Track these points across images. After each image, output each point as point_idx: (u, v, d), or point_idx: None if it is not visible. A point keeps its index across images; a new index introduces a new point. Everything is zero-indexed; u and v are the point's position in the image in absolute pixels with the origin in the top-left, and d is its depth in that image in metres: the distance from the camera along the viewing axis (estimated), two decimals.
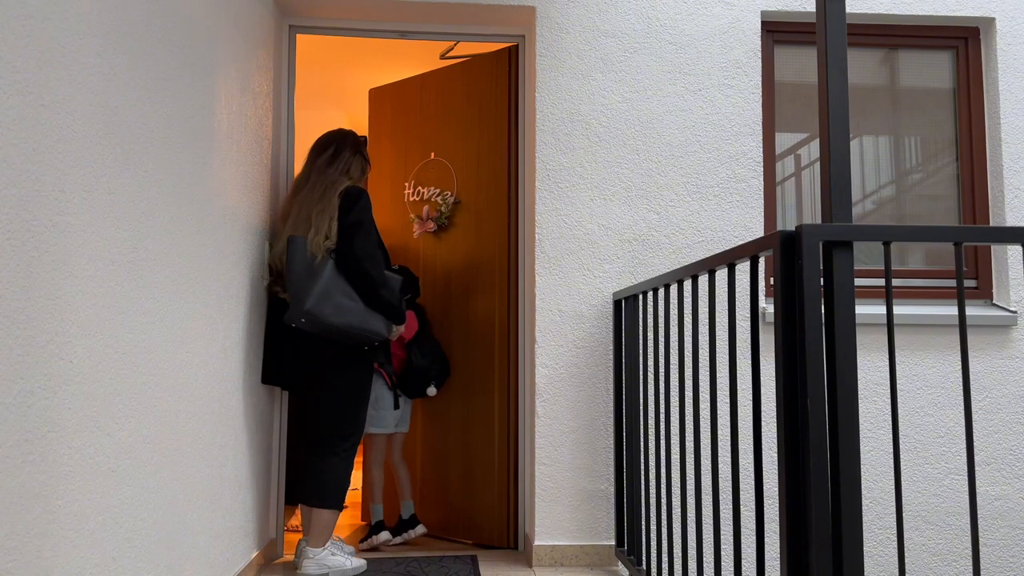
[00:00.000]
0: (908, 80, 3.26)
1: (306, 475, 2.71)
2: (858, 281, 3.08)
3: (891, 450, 2.97)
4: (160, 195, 1.76)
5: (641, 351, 2.61)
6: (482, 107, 3.39)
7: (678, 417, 2.67)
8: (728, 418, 2.81)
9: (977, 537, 1.46)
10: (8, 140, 1.18)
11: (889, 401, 2.18)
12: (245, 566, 2.53)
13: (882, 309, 2.92)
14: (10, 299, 1.18)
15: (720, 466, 2.88)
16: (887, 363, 2.39)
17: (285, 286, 2.70)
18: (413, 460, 3.52)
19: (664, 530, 2.73)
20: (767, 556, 2.80)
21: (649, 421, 2.57)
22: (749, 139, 3.02)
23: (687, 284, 2.94)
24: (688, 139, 3.01)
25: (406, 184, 3.64)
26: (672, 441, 2.80)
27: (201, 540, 2.09)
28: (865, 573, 2.74)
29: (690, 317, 2.94)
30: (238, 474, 2.46)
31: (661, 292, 2.77)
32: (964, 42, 3.23)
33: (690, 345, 2.68)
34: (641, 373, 2.61)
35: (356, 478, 4.34)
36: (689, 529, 2.75)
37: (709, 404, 2.03)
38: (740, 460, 2.58)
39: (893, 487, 2.96)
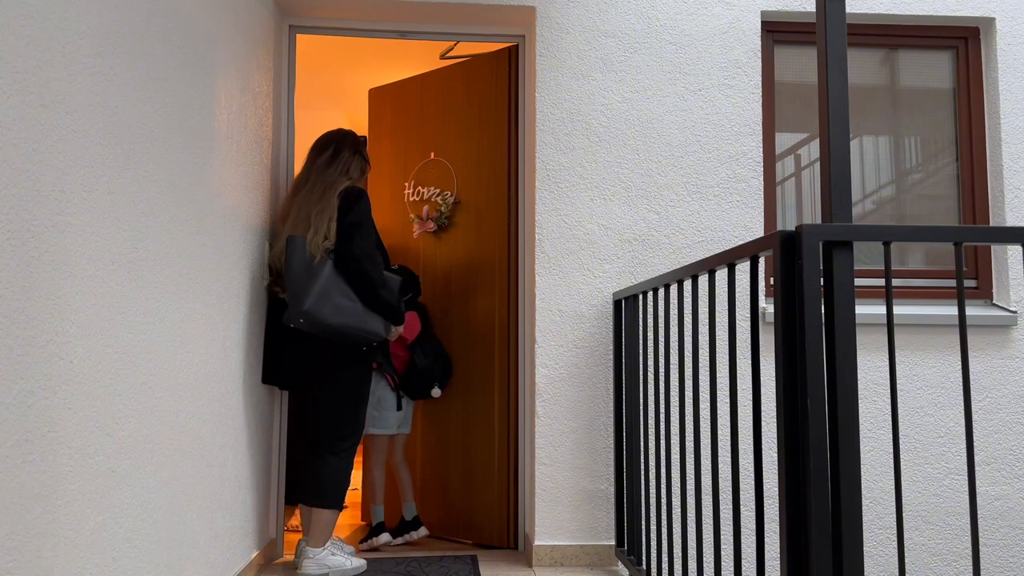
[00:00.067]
0: (908, 80, 3.26)
1: (306, 475, 2.71)
2: (858, 281, 3.08)
3: (891, 450, 2.97)
4: (160, 195, 1.76)
5: (641, 351, 2.61)
6: (482, 107, 3.39)
7: (678, 417, 2.67)
8: (728, 418, 2.81)
9: (977, 537, 1.46)
10: (8, 140, 1.18)
11: (889, 401, 2.18)
12: (245, 566, 2.53)
13: (882, 309, 2.92)
14: (10, 299, 1.18)
15: (720, 466, 2.88)
16: (887, 363, 2.39)
17: (284, 286, 2.70)
18: (413, 460, 3.52)
19: (664, 530, 2.73)
20: (767, 556, 2.80)
21: (649, 421, 2.57)
22: (749, 139, 3.02)
23: (687, 284, 2.94)
24: (688, 139, 3.01)
25: (406, 184, 3.64)
26: (672, 441, 2.80)
27: (201, 540, 2.09)
28: (865, 573, 2.74)
29: (690, 317, 2.94)
30: (238, 474, 2.46)
31: (661, 292, 2.77)
32: (964, 42, 3.23)
33: (690, 345, 2.68)
34: (641, 373, 2.61)
35: (356, 478, 4.34)
36: (689, 529, 2.75)
37: (709, 404, 2.03)
38: (740, 460, 2.58)
39: (893, 487, 2.96)
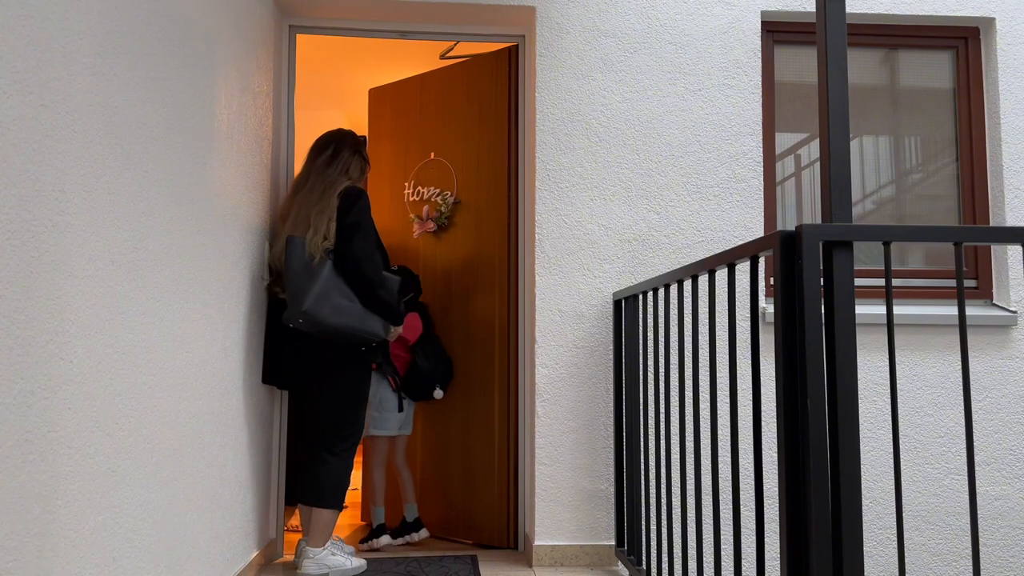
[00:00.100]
0: (908, 80, 3.26)
1: (306, 475, 2.71)
2: (858, 281, 3.08)
3: (891, 450, 2.97)
4: (160, 195, 1.76)
5: (641, 351, 2.61)
6: (482, 107, 3.39)
7: (678, 417, 2.67)
8: (728, 418, 2.81)
9: (977, 537, 1.46)
10: (8, 140, 1.18)
11: (889, 401, 2.18)
12: (245, 566, 2.53)
13: (882, 309, 2.92)
14: (10, 299, 1.18)
15: (720, 466, 2.88)
16: (887, 363, 2.39)
17: (284, 286, 2.70)
18: (413, 460, 3.52)
19: (664, 530, 2.73)
20: (767, 556, 2.80)
21: (649, 421, 2.57)
22: (749, 139, 3.02)
23: (687, 284, 2.94)
24: (688, 139, 3.01)
25: (406, 184, 3.64)
26: (672, 441, 2.80)
27: (201, 540, 2.09)
28: (865, 573, 2.74)
29: (690, 317, 2.94)
30: (238, 474, 2.46)
31: (661, 292, 2.77)
32: (964, 42, 3.23)
33: (690, 345, 2.68)
34: (641, 373, 2.61)
35: (356, 478, 4.34)
36: (689, 529, 2.75)
37: (709, 404, 2.03)
38: (740, 460, 2.58)
39: (893, 487, 2.96)
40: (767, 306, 2.96)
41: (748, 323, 2.97)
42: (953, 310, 3.01)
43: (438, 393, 3.30)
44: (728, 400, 2.35)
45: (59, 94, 1.32)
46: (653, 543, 2.67)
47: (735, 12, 3.06)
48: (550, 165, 2.97)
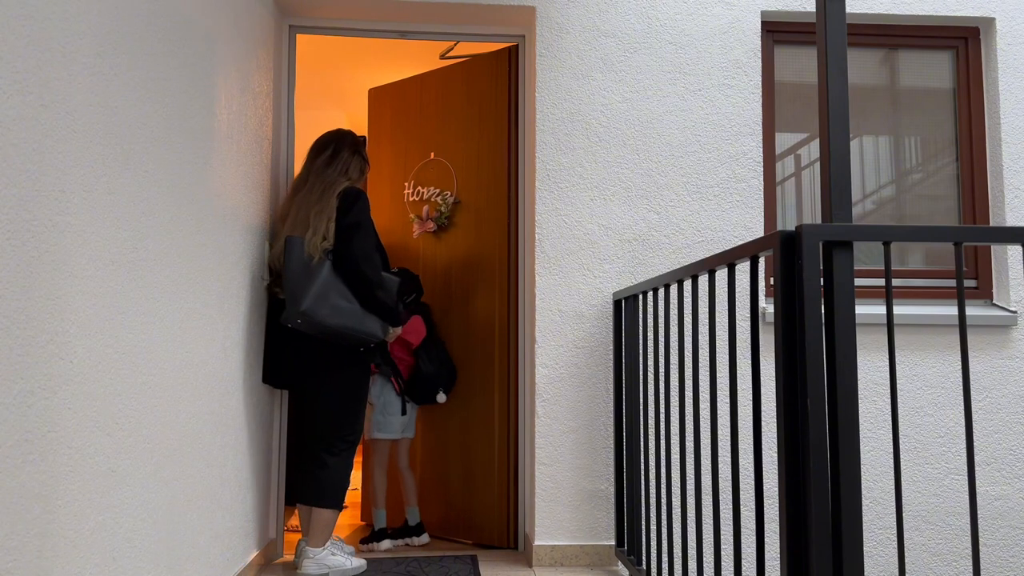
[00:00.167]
0: (908, 80, 3.26)
1: (305, 475, 2.71)
2: (858, 281, 3.09)
3: (891, 450, 2.97)
4: (160, 195, 1.76)
5: (641, 351, 2.61)
6: (482, 107, 3.39)
7: (678, 417, 2.67)
8: (728, 418, 2.81)
9: (977, 537, 1.46)
10: (8, 140, 1.18)
11: (889, 401, 2.18)
12: (245, 566, 2.53)
13: (882, 309, 2.92)
14: (10, 299, 1.18)
15: (720, 466, 2.88)
16: (887, 363, 2.39)
17: (283, 286, 2.70)
18: (413, 460, 3.52)
19: (664, 530, 2.73)
20: (767, 556, 2.80)
21: (649, 421, 2.57)
22: (749, 139, 3.02)
23: (687, 284, 2.94)
24: (688, 139, 3.01)
25: (406, 184, 3.64)
26: (672, 441, 2.80)
27: (201, 540, 2.09)
28: (865, 573, 2.74)
29: (690, 317, 2.94)
30: (238, 474, 2.46)
31: (661, 292, 2.77)
32: (964, 42, 3.23)
33: (690, 345, 2.68)
34: (641, 373, 2.61)
35: (355, 478, 4.34)
36: (689, 529, 2.75)
37: (709, 404, 2.03)
38: (740, 460, 2.58)
39: (893, 487, 2.96)
40: (767, 306, 2.96)
41: (748, 323, 2.97)
42: (953, 310, 3.01)
43: (441, 397, 3.29)
44: (728, 400, 2.35)
45: (59, 94, 1.32)
46: (653, 543, 2.67)
47: (735, 12, 3.06)
48: (550, 165, 2.97)
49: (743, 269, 2.97)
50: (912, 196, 3.24)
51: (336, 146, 2.82)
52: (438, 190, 3.51)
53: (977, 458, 2.97)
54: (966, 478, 2.17)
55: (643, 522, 2.61)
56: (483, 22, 3.12)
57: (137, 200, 1.63)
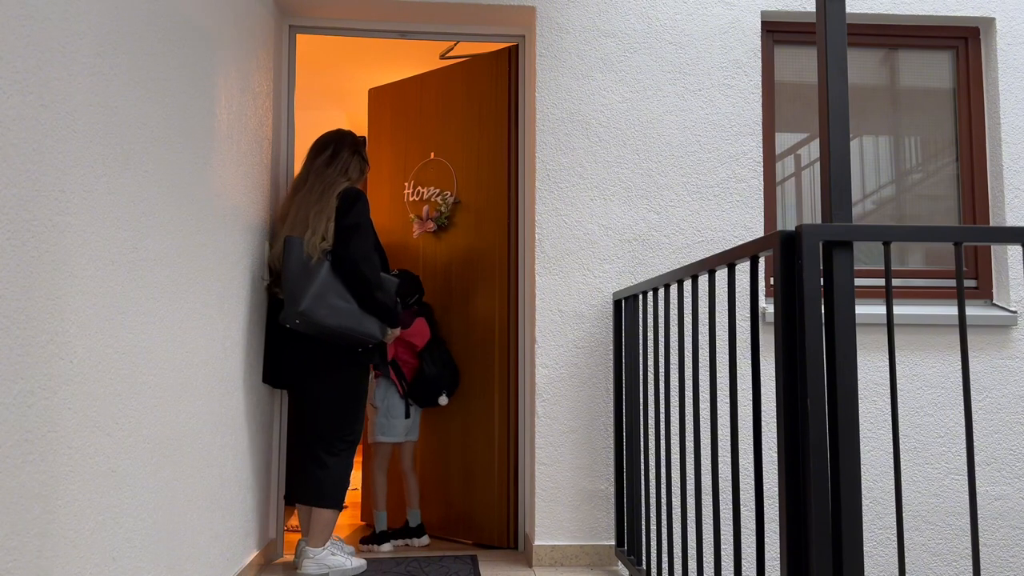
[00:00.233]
0: (908, 80, 3.26)
1: (305, 475, 2.71)
2: (858, 281, 3.08)
3: (891, 450, 2.97)
4: (160, 195, 1.76)
5: (641, 351, 2.61)
6: (482, 107, 3.39)
7: (678, 417, 2.67)
8: (728, 418, 2.81)
9: (977, 537, 1.46)
10: (8, 140, 1.18)
11: (889, 401, 2.18)
12: (245, 566, 2.53)
13: (882, 309, 2.92)
14: (10, 299, 1.18)
15: (720, 466, 2.88)
16: (887, 363, 2.39)
17: (282, 286, 2.69)
18: (413, 460, 3.52)
19: (664, 530, 2.73)
20: (767, 556, 2.80)
21: (649, 421, 2.57)
22: (749, 139, 3.02)
23: (687, 284, 2.94)
24: (688, 139, 3.01)
25: (406, 184, 3.64)
26: (672, 441, 2.80)
27: (201, 540, 2.09)
28: (865, 573, 2.74)
29: (690, 317, 2.94)
30: (238, 474, 2.46)
31: (661, 292, 2.77)
32: (964, 42, 3.23)
33: (690, 345, 2.68)
34: (641, 373, 2.61)
35: (355, 478, 4.34)
36: (689, 529, 2.75)
37: (709, 404, 2.03)
38: (740, 460, 2.58)
39: (893, 487, 2.96)
40: (767, 306, 2.96)
41: (748, 323, 2.97)
42: (953, 310, 3.01)
43: (443, 400, 3.29)
44: (728, 400, 2.35)
45: (59, 94, 1.32)
46: (653, 543, 2.67)
47: (735, 12, 3.06)
48: (550, 165, 2.97)
49: (743, 269, 2.97)
50: (912, 196, 3.24)
51: (336, 146, 2.82)
52: (438, 190, 3.51)
53: (977, 458, 2.97)
54: (966, 478, 2.17)
55: (643, 522, 2.61)
56: (483, 22, 3.12)
57: (137, 200, 1.63)
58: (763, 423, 2.92)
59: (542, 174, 2.97)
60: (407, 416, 3.27)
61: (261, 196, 2.75)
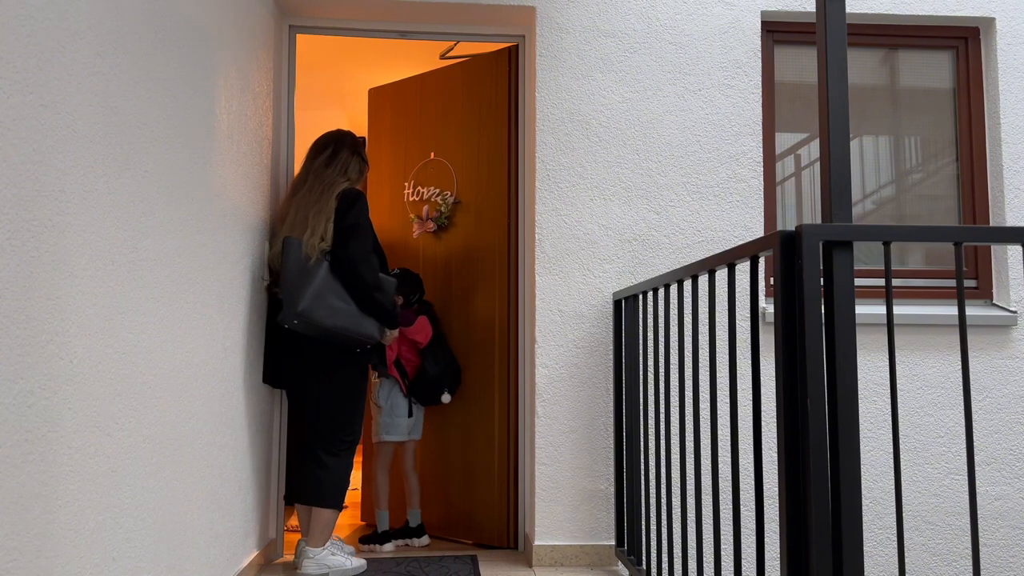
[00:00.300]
0: (908, 80, 3.26)
1: (305, 475, 2.71)
2: (858, 281, 3.08)
3: (891, 450, 2.97)
4: (160, 195, 1.76)
5: (641, 351, 2.61)
6: (482, 107, 3.39)
7: (678, 417, 2.67)
8: (728, 418, 2.81)
9: (977, 537, 1.46)
10: (8, 140, 1.18)
11: (889, 401, 2.18)
12: (245, 566, 2.53)
13: (882, 309, 2.92)
14: (10, 299, 1.18)
15: (720, 466, 2.88)
16: (887, 363, 2.39)
17: (280, 287, 2.69)
18: (414, 459, 3.52)
19: (664, 530, 2.73)
20: (767, 556, 2.80)
21: (649, 421, 2.57)
22: (749, 139, 3.02)
23: (687, 284, 2.94)
24: (688, 139, 3.01)
25: (406, 184, 3.64)
26: (672, 441, 2.80)
27: (201, 540, 2.09)
28: (865, 573, 2.74)
29: (690, 317, 2.94)
30: (238, 474, 2.46)
31: (661, 292, 2.77)
32: (964, 42, 3.23)
33: (690, 345, 2.68)
34: (641, 373, 2.61)
35: (355, 478, 4.34)
36: (689, 529, 2.75)
37: (709, 404, 2.03)
38: (740, 460, 2.58)
39: (893, 487, 2.96)
40: (767, 306, 2.96)
41: (748, 323, 2.97)
42: (953, 310, 3.01)
43: (446, 397, 3.29)
44: (728, 400, 2.35)
45: (59, 94, 1.32)
46: (653, 543, 2.67)
47: (735, 12, 3.06)
48: (550, 165, 2.97)
49: (743, 269, 2.97)
50: (912, 196, 3.24)
51: (335, 146, 2.82)
52: (438, 190, 3.51)
53: (977, 458, 2.97)
54: (966, 478, 2.17)
55: (643, 522, 2.61)
56: (483, 22, 3.12)
57: (137, 200, 1.63)
58: (763, 423, 2.93)
59: (542, 174, 2.97)
60: (410, 415, 3.27)
61: (261, 196, 2.75)
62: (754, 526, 2.46)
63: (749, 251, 1.65)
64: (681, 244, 2.98)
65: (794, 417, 1.48)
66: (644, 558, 2.55)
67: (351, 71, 4.49)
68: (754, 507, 2.45)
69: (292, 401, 2.86)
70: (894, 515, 2.93)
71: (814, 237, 1.45)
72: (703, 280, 2.96)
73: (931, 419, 2.98)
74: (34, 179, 1.25)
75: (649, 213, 2.98)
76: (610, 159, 2.98)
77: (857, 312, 2.75)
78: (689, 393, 3.02)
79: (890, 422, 2.68)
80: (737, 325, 2.85)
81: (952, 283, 3.15)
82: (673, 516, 2.76)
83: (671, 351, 2.66)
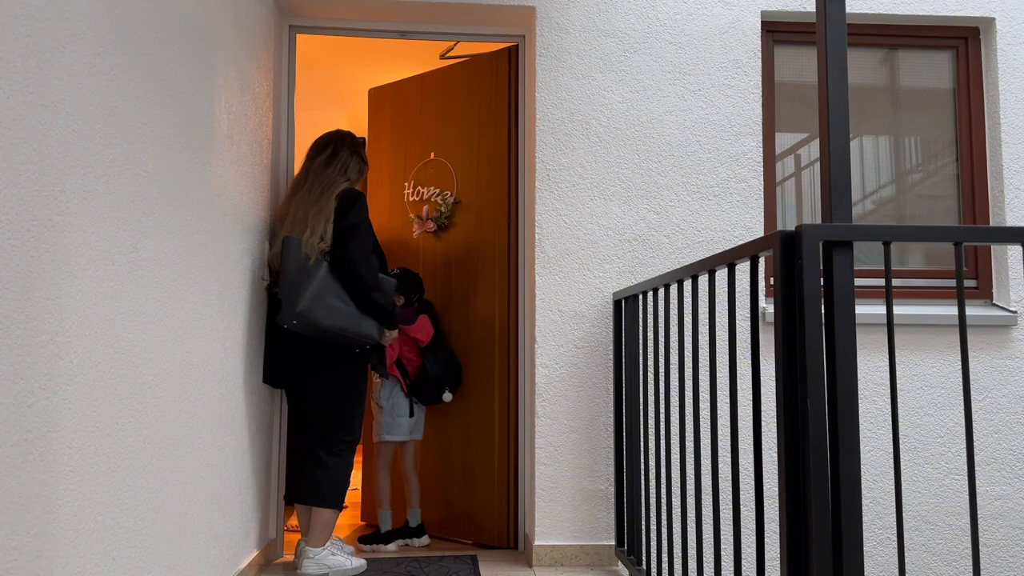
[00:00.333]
0: (908, 80, 3.26)
1: (305, 475, 2.71)
2: (858, 281, 3.08)
3: (891, 450, 2.97)
4: (160, 195, 1.76)
5: (641, 351, 2.61)
6: (482, 107, 3.39)
7: (678, 417, 2.67)
8: (728, 418, 2.81)
9: (977, 537, 1.46)
10: (8, 140, 1.18)
11: (889, 401, 2.18)
12: (245, 566, 2.53)
13: (882, 309, 2.92)
14: (10, 299, 1.18)
15: (720, 466, 2.88)
16: (887, 363, 2.39)
17: (280, 287, 2.69)
18: (415, 459, 3.52)
19: (664, 530, 2.73)
20: (767, 556, 2.80)
21: (649, 421, 2.57)
22: (749, 139, 3.02)
23: (687, 284, 2.94)
24: (688, 139, 3.01)
25: (406, 184, 3.64)
26: (672, 441, 2.80)
27: (201, 540, 2.09)
28: (865, 573, 2.74)
29: (690, 317, 2.94)
30: (238, 474, 2.46)
31: (661, 292, 2.77)
32: (964, 42, 3.23)
33: (690, 345, 2.68)
34: (641, 373, 2.61)
35: (355, 478, 4.34)
36: (689, 529, 2.75)
37: (709, 404, 2.03)
38: (740, 460, 2.58)
39: (893, 487, 2.96)
40: (767, 306, 2.96)
41: (748, 323, 2.97)
42: (953, 310, 3.01)
43: (447, 396, 3.29)
44: (728, 400, 2.35)
45: (59, 94, 1.32)
46: (653, 543, 2.67)
47: (735, 12, 3.06)
48: (550, 165, 2.97)
49: (743, 269, 2.97)
50: (912, 196, 3.24)
51: (335, 146, 2.82)
52: (438, 190, 3.51)
53: (977, 458, 2.97)
54: (966, 478, 2.17)
55: (643, 522, 2.61)
56: (483, 22, 3.12)
57: (137, 200, 1.63)
58: (763, 423, 2.92)
59: (542, 174, 2.97)
60: (411, 415, 3.27)
61: (261, 196, 2.75)
62: (754, 526, 2.46)
63: (749, 251, 1.65)
64: (681, 244, 2.98)
65: (794, 417, 1.48)
66: (644, 558, 2.55)
67: (351, 71, 4.49)
68: (754, 507, 2.45)
69: (292, 401, 2.86)
70: (894, 515, 2.93)
71: (814, 237, 1.45)
72: (703, 280, 2.96)
73: (931, 419, 2.98)
74: (34, 179, 1.25)
75: (649, 213, 2.98)
76: (610, 159, 2.98)
77: (857, 312, 2.75)
78: (689, 393, 3.02)
79: (890, 422, 2.68)
80: (737, 325, 2.85)
81: (952, 283, 3.15)
82: (673, 516, 2.76)
83: (671, 351, 2.66)
